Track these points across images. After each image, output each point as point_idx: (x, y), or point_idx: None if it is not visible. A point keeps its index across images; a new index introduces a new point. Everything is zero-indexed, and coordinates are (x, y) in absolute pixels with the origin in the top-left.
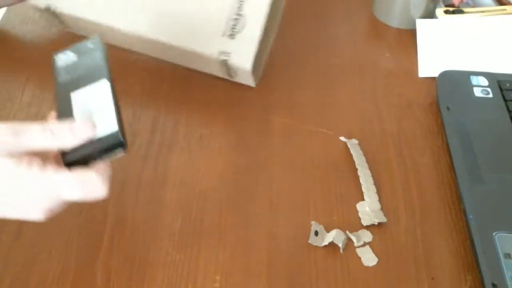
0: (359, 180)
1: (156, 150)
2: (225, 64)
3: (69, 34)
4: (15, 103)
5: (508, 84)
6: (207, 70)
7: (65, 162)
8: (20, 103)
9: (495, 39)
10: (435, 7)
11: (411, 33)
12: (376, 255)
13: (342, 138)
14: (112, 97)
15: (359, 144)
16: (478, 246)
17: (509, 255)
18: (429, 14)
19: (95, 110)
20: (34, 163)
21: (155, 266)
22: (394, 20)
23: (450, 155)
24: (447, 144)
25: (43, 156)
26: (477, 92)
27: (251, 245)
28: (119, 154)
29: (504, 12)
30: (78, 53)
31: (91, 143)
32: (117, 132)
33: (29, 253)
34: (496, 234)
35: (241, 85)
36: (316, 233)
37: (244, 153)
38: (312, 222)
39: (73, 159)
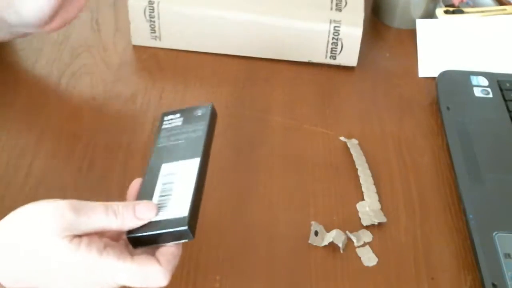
0: (359, 180)
1: None
2: (335, 33)
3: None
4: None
5: (508, 84)
6: (306, 55)
7: (129, 239)
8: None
9: (495, 39)
10: (435, 7)
11: (411, 33)
12: (376, 255)
13: (342, 138)
14: (196, 179)
15: (359, 144)
16: (478, 246)
17: (509, 255)
18: (429, 14)
19: (176, 189)
20: (94, 246)
21: None
22: (394, 20)
23: (450, 155)
24: (447, 144)
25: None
26: (477, 92)
27: (251, 245)
28: (185, 239)
29: (504, 12)
30: (184, 117)
31: (156, 224)
32: (184, 219)
33: None
34: (496, 234)
35: (242, 85)
36: (316, 233)
37: (244, 152)
38: (312, 222)
39: (137, 237)
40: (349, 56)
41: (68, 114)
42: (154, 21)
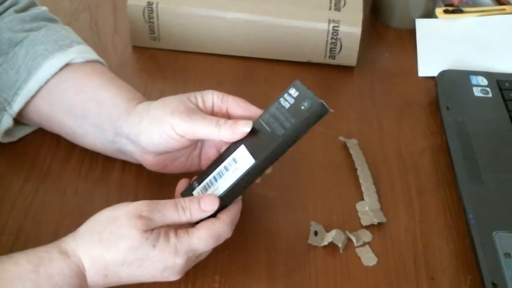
0: (359, 180)
1: None
2: (334, 33)
3: None
4: None
5: (507, 84)
6: (306, 55)
7: None
8: None
9: (495, 38)
10: (434, 7)
11: (411, 33)
12: (376, 255)
13: (342, 138)
14: (236, 181)
15: (359, 144)
16: (478, 246)
17: (509, 254)
18: (429, 13)
19: (223, 179)
20: (169, 232)
21: None
22: (393, 19)
23: (449, 155)
24: (447, 144)
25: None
26: (477, 91)
27: (250, 245)
28: None
29: (503, 11)
30: (295, 102)
31: None
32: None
33: None
34: (496, 233)
35: (242, 85)
36: (316, 233)
37: None
38: (312, 222)
39: None
40: (348, 56)
41: None
42: (153, 22)
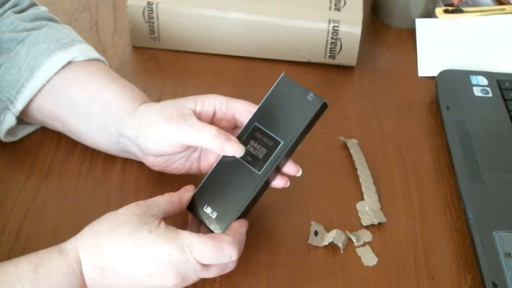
0: (359, 180)
1: None
2: (334, 33)
3: None
4: None
5: (507, 84)
6: (306, 55)
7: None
8: None
9: (495, 38)
10: (434, 7)
11: (411, 33)
12: (376, 255)
13: (342, 138)
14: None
15: (359, 144)
16: (478, 246)
17: (509, 254)
18: (429, 13)
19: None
20: (171, 227)
21: None
22: (394, 19)
23: (450, 155)
24: (447, 144)
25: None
26: (477, 91)
27: (251, 245)
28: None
29: (504, 11)
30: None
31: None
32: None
33: None
34: (496, 233)
35: (242, 85)
36: (316, 233)
37: None
38: (312, 222)
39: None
40: (348, 55)
41: None
42: (153, 22)
